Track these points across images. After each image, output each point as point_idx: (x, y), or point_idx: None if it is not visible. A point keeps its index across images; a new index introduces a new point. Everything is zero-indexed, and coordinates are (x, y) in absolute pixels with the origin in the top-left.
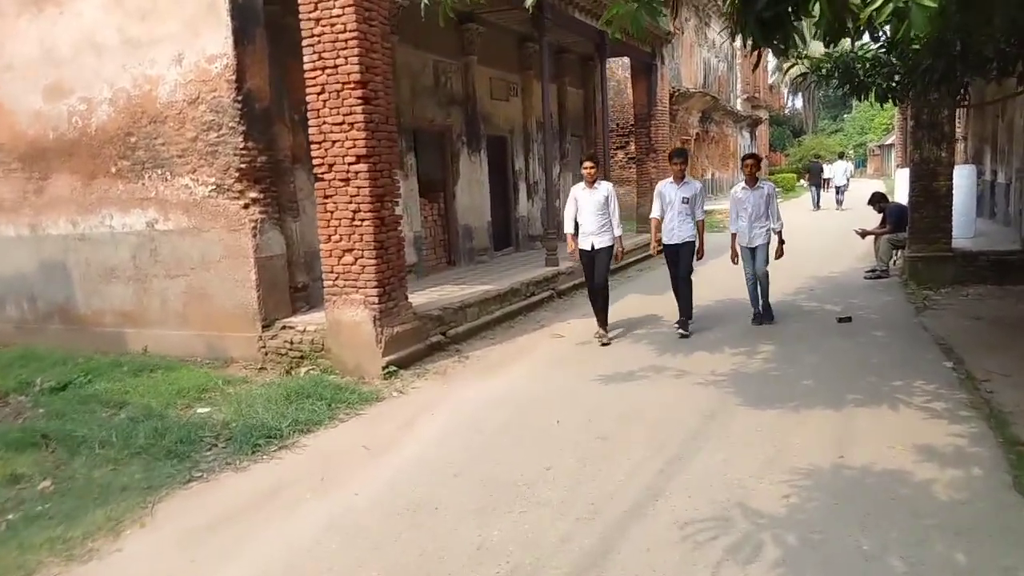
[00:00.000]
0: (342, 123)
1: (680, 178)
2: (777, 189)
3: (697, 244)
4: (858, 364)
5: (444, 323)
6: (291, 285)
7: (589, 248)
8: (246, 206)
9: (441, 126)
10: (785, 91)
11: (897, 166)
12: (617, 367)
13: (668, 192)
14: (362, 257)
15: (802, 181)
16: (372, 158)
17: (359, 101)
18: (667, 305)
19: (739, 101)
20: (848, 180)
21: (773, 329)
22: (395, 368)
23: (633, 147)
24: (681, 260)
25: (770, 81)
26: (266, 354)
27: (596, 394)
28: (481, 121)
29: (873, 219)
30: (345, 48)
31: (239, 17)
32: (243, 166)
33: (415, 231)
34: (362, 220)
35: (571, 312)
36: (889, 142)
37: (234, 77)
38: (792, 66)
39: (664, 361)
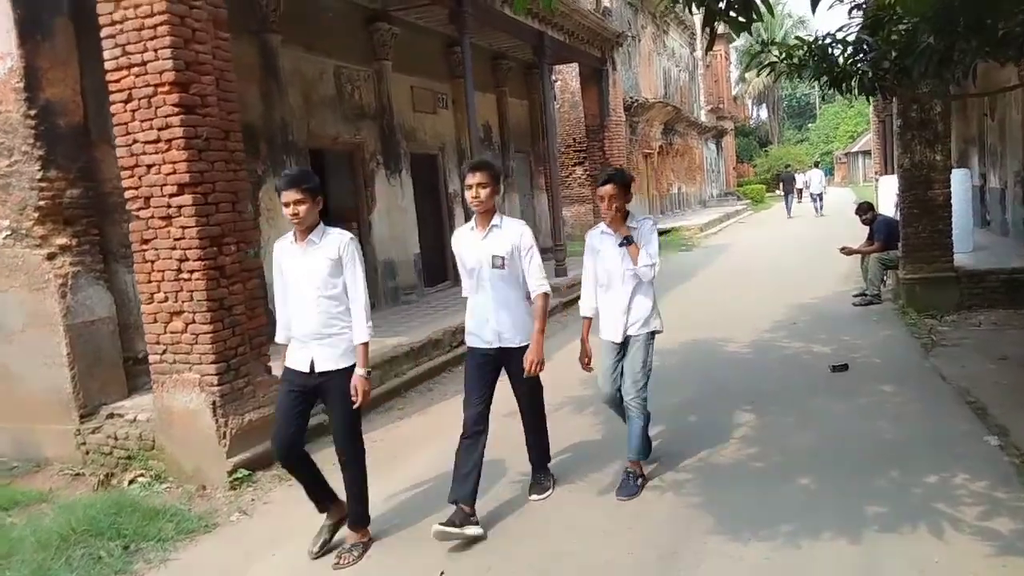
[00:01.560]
0: (157, 140)
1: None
2: (745, 201)
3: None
4: (871, 445)
5: None
6: (127, 356)
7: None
8: (51, 256)
9: (348, 144)
10: (749, 102)
11: (875, 173)
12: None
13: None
14: (193, 322)
15: (777, 191)
16: (200, 187)
17: (176, 110)
18: None
19: (703, 112)
20: (824, 187)
21: (748, 385)
22: (247, 472)
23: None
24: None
25: (734, 92)
26: (86, 453)
27: (520, 509)
28: (402, 137)
29: (856, 229)
30: (154, 38)
31: (26, 3)
32: (43, 203)
33: None
34: (191, 272)
35: None
36: (856, 149)
37: (22, 84)
38: (758, 54)
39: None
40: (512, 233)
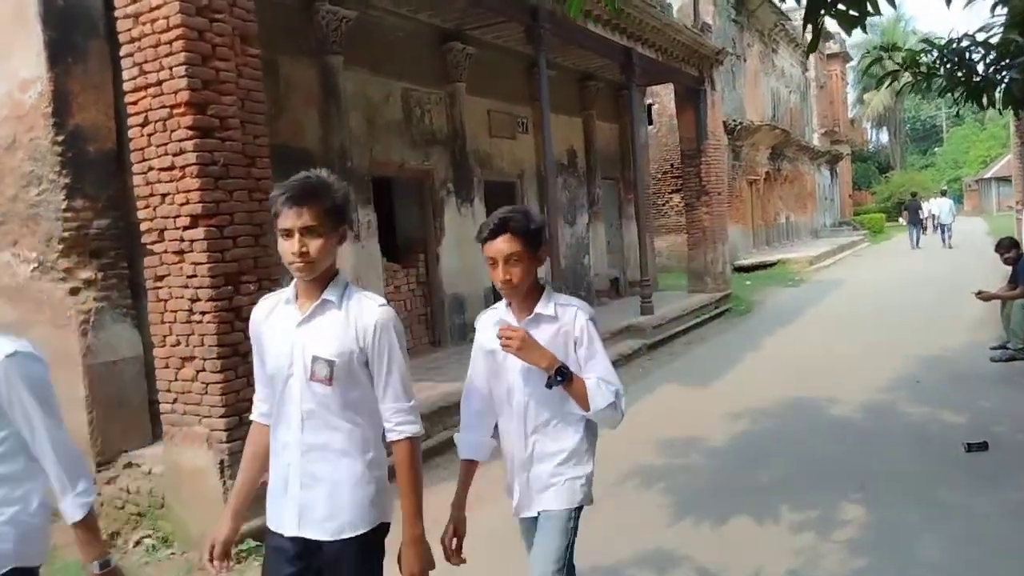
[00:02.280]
0: (171, 167)
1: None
2: (861, 232)
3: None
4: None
5: None
6: (153, 399)
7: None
8: (74, 291)
9: (416, 171)
10: (868, 125)
11: (1017, 203)
12: None
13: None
14: (203, 370)
15: (900, 219)
16: (215, 218)
17: (190, 133)
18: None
19: (815, 136)
20: (954, 217)
21: (858, 463)
22: (255, 543)
23: None
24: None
25: (851, 114)
26: (100, 505)
27: None
28: (475, 164)
29: (992, 266)
30: (170, 54)
31: (58, 25)
32: (68, 234)
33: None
34: (202, 313)
35: None
36: (989, 175)
37: (51, 109)
38: (874, 62)
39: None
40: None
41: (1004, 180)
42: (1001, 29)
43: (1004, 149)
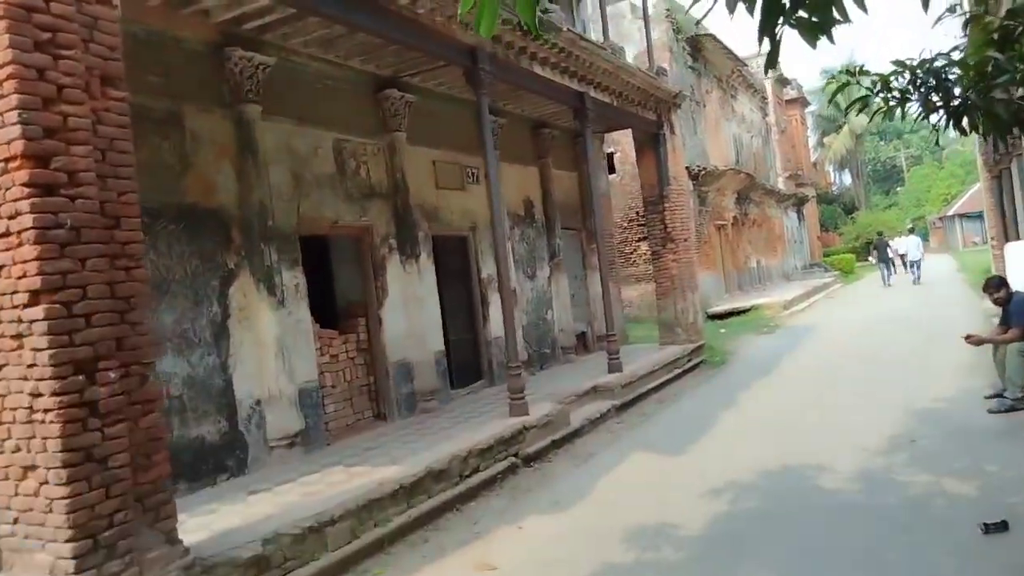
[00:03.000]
0: (6, 233)
1: None
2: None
3: None
4: None
5: (269, 568)
6: None
7: None
8: None
9: (353, 228)
10: (831, 167)
11: (992, 239)
12: None
13: None
14: (46, 482)
15: (870, 258)
16: (60, 293)
17: (28, 191)
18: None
19: (780, 179)
20: (922, 254)
21: (860, 552)
22: None
23: None
24: None
25: (813, 158)
26: None
27: None
28: (421, 218)
29: (969, 305)
30: (1, 97)
31: None
32: None
33: (299, 384)
34: (46, 411)
35: (535, 499)
36: (952, 212)
37: None
38: (843, 87)
39: None
40: None
41: (968, 216)
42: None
43: (963, 186)
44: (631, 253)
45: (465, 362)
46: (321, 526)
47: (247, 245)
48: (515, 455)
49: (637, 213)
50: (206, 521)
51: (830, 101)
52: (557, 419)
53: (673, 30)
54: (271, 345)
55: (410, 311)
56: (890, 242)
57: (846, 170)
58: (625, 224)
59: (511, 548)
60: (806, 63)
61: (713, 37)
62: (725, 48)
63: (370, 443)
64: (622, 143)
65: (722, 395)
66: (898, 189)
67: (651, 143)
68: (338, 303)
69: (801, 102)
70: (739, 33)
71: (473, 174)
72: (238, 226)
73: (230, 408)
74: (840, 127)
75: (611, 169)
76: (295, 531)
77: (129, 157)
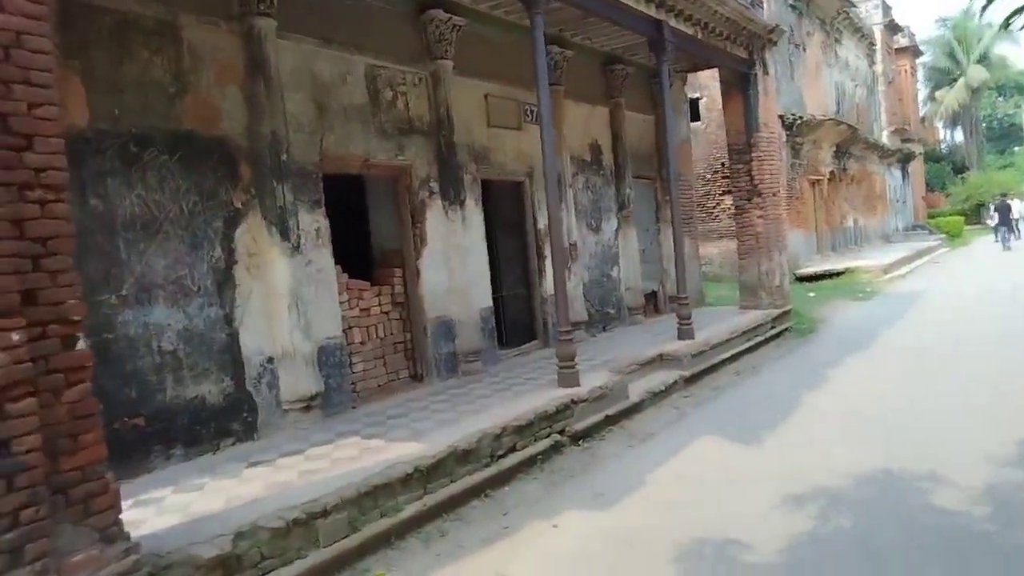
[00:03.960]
0: None
1: None
2: (938, 236)
3: None
4: None
5: (241, 569)
6: None
7: None
8: None
9: (387, 168)
10: (940, 124)
11: None
12: None
13: None
14: None
15: (988, 221)
16: None
17: None
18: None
19: (884, 134)
20: None
21: None
22: None
23: None
24: None
25: (922, 113)
26: None
27: None
28: (468, 159)
29: None
30: None
31: None
32: None
33: (320, 340)
34: None
35: (578, 487)
36: None
37: None
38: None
39: None
40: None
41: None
42: None
43: None
44: (714, 207)
45: (518, 320)
46: (310, 517)
47: (257, 182)
48: (560, 432)
49: (722, 165)
50: (187, 500)
51: (981, 13)
52: (613, 392)
53: None
54: (285, 296)
55: (452, 263)
56: (1011, 203)
57: (958, 127)
58: (709, 176)
59: (537, 554)
60: (920, 10)
61: None
62: None
63: (398, 409)
64: (709, 88)
65: (809, 371)
66: (1015, 149)
67: (740, 84)
68: (373, 251)
69: (912, 51)
70: None
71: (531, 112)
72: (247, 160)
73: (236, 366)
74: (954, 80)
75: (695, 116)
76: (277, 523)
77: (47, 59)
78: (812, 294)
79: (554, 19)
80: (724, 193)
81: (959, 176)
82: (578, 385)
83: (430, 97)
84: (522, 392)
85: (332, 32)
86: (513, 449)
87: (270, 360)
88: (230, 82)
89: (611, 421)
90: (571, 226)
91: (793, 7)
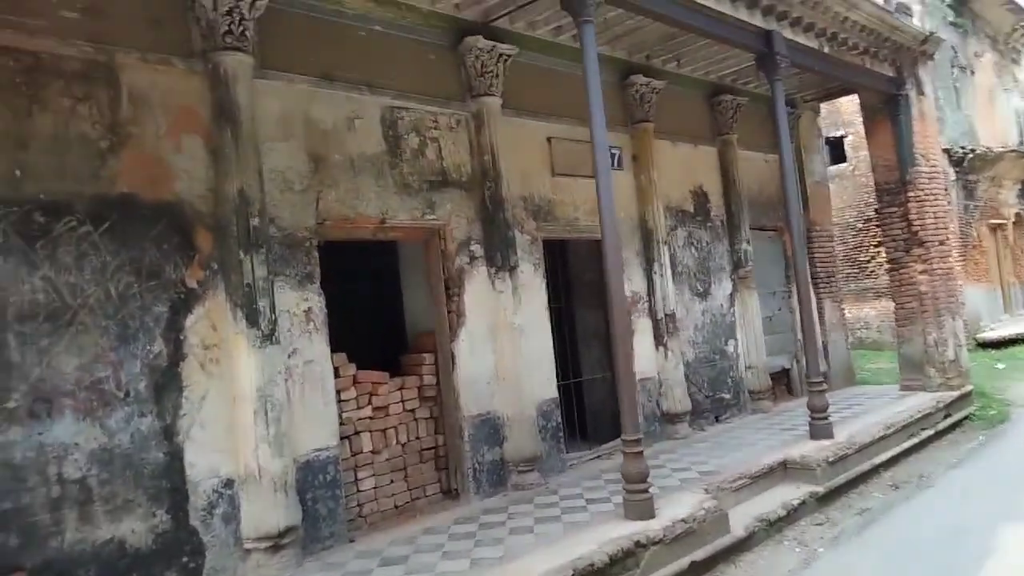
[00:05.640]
0: None
1: None
2: None
3: None
4: None
5: None
6: None
7: None
8: None
9: (412, 229)
10: None
11: None
12: None
13: None
14: None
15: None
16: None
17: None
18: None
19: None
20: None
21: None
22: None
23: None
24: None
25: None
26: None
27: None
28: (526, 215)
29: None
30: None
31: None
32: None
33: (302, 454)
34: None
35: None
36: None
37: None
38: None
39: None
40: None
41: None
42: None
43: None
44: (868, 262)
45: (601, 412)
46: None
47: (221, 255)
48: None
49: (876, 211)
50: None
51: None
52: (706, 523)
53: None
54: (250, 399)
55: (501, 344)
56: None
57: None
58: (860, 225)
59: None
60: None
61: None
62: None
63: (402, 548)
64: (856, 124)
65: (1007, 485)
66: None
67: (887, 108)
68: (408, 334)
69: None
70: None
71: (613, 156)
72: (207, 228)
73: (175, 494)
74: None
75: (840, 156)
76: None
77: None
78: (1000, 365)
79: (634, 42)
80: (880, 245)
81: None
82: (652, 517)
83: (471, 142)
84: (575, 524)
85: (336, 68)
86: None
87: (228, 484)
88: (189, 132)
89: (700, 569)
90: (667, 292)
91: (955, 25)
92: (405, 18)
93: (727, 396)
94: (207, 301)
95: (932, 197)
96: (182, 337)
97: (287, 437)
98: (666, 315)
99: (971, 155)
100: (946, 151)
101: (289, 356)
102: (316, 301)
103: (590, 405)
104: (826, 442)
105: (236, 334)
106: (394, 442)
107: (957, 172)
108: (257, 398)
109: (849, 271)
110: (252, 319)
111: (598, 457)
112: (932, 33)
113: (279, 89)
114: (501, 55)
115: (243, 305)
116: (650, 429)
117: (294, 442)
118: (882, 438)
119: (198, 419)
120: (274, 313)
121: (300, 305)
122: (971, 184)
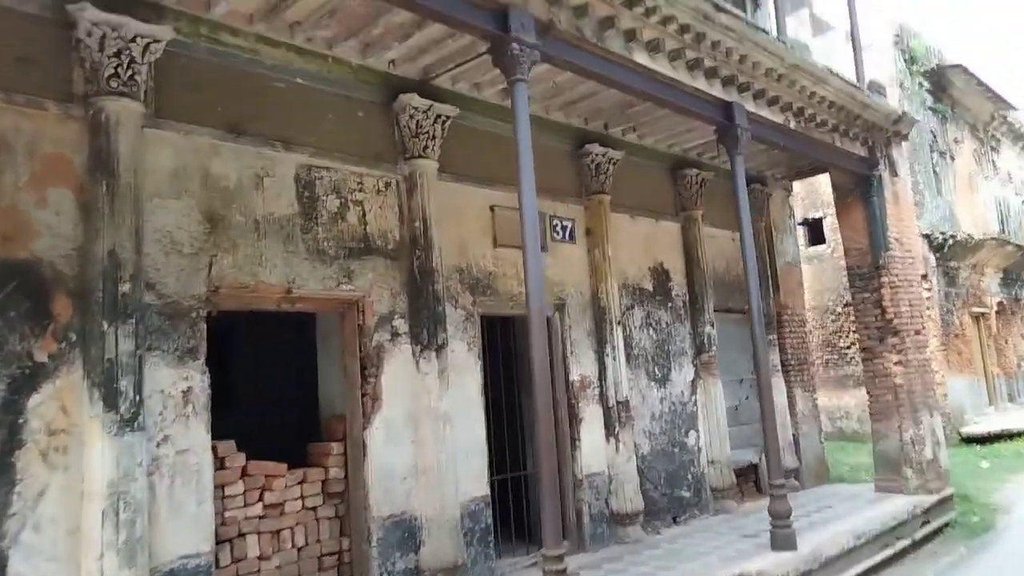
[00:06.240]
0: None
1: None
2: None
3: None
4: None
5: None
6: None
7: None
8: None
9: (326, 301)
10: None
11: None
12: None
13: None
14: None
15: None
16: None
17: None
18: None
19: None
20: None
21: None
22: None
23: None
24: None
25: None
26: None
27: None
28: (462, 288)
29: None
30: None
31: None
32: None
33: (167, 563)
34: None
35: None
36: None
37: None
38: None
39: None
40: None
41: None
42: None
43: None
44: (847, 347)
45: (538, 511)
46: None
47: (81, 325)
48: None
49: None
50: None
51: None
52: None
53: (905, 60)
54: (100, 497)
55: (422, 433)
56: None
57: None
58: (839, 310)
59: None
60: None
61: (964, 69)
62: (983, 85)
63: None
64: (834, 205)
65: None
66: None
67: (859, 190)
68: (321, 418)
69: None
70: (1001, 67)
71: (563, 228)
72: (68, 293)
73: None
74: None
75: (819, 238)
76: None
77: None
78: (985, 463)
79: (590, 109)
80: (855, 330)
81: None
82: None
83: (401, 207)
84: None
85: (247, 121)
86: None
87: None
88: (57, 184)
89: None
90: (620, 376)
91: (934, 110)
92: (331, 72)
93: (686, 494)
94: (59, 379)
95: (907, 283)
96: (21, 421)
97: (143, 543)
98: (618, 402)
99: (951, 241)
100: (926, 236)
101: (158, 445)
102: (198, 380)
103: (535, 503)
104: (787, 555)
105: (91, 418)
106: (289, 546)
107: (937, 258)
108: (108, 495)
109: (828, 357)
110: (110, 401)
111: (535, 565)
112: (905, 113)
113: (174, 141)
114: (439, 116)
115: (101, 384)
116: (597, 532)
117: (156, 548)
118: (852, 550)
119: (31, 520)
120: (139, 394)
121: (178, 385)
122: (952, 271)
